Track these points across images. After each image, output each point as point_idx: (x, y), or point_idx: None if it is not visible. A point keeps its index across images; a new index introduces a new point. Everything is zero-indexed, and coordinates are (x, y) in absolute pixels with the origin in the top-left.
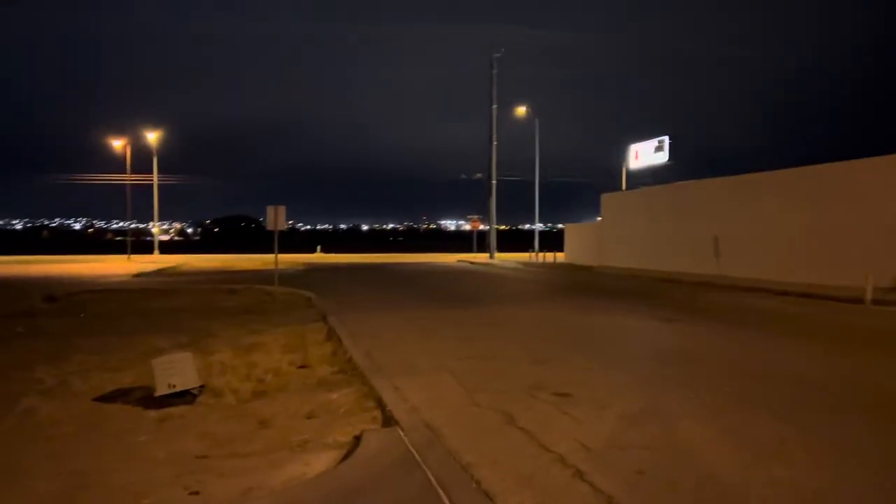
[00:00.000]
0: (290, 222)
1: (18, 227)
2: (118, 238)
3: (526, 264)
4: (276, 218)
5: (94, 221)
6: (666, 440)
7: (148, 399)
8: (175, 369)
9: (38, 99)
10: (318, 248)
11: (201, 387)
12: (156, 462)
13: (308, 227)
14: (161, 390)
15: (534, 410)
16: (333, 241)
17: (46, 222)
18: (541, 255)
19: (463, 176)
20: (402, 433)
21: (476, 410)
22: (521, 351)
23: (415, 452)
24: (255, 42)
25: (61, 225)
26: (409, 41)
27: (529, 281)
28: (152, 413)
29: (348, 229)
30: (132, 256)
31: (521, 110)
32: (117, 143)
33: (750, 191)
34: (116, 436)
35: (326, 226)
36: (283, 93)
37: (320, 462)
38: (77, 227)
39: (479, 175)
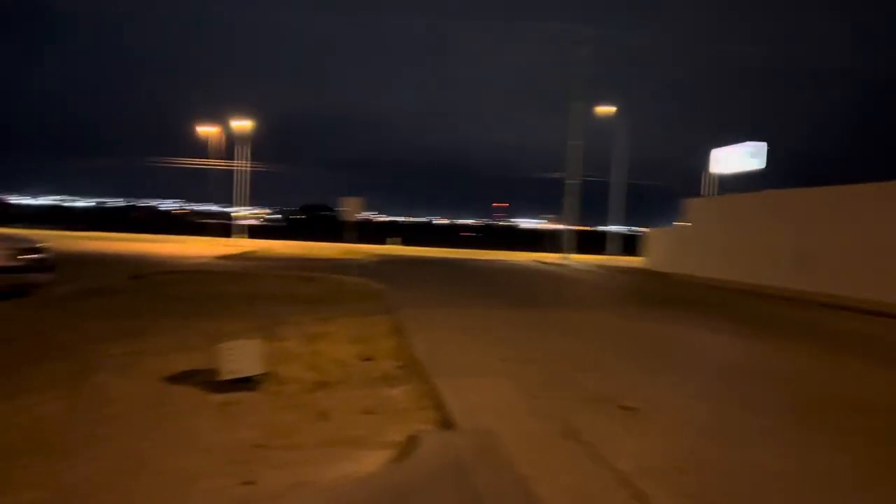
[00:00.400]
0: (370, 213)
1: (114, 205)
2: (205, 221)
3: (601, 267)
4: (353, 209)
5: (185, 203)
6: (737, 467)
7: (212, 383)
8: (241, 354)
9: (136, 84)
10: (395, 239)
11: (265, 374)
12: (212, 448)
13: (386, 218)
14: (225, 375)
15: (597, 423)
16: (410, 234)
17: (140, 202)
18: (617, 258)
19: (541, 174)
20: (458, 437)
21: (538, 419)
22: (590, 358)
23: (469, 459)
24: (344, 33)
25: (154, 205)
26: (495, 35)
27: (604, 285)
28: (215, 397)
29: (425, 223)
30: (217, 239)
31: (603, 109)
32: (210, 130)
33: (848, 203)
34: (178, 418)
35: (404, 218)
36: (368, 84)
37: (373, 460)
38: (168, 208)
39: (557, 174)
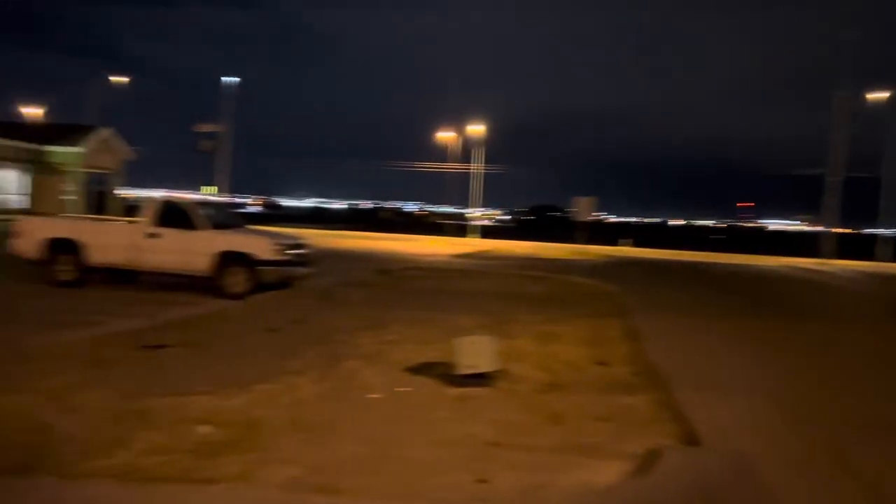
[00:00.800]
0: (601, 214)
1: (364, 206)
2: (442, 221)
3: (869, 275)
4: (584, 209)
5: (425, 205)
6: None
7: (449, 376)
8: (476, 350)
9: (387, 95)
10: (627, 241)
11: (499, 371)
12: (449, 441)
13: (618, 218)
14: (461, 370)
15: (873, 454)
16: (643, 235)
17: (386, 204)
18: (889, 265)
19: (795, 171)
20: (706, 455)
21: (799, 444)
22: (861, 381)
23: (720, 482)
24: (581, 32)
25: (398, 207)
26: (736, 24)
27: (875, 296)
28: (451, 391)
29: (659, 223)
30: (452, 238)
31: (875, 96)
32: (448, 135)
33: None
34: (417, 408)
35: (636, 219)
36: (605, 83)
37: (610, 471)
38: (410, 209)
39: (815, 170)
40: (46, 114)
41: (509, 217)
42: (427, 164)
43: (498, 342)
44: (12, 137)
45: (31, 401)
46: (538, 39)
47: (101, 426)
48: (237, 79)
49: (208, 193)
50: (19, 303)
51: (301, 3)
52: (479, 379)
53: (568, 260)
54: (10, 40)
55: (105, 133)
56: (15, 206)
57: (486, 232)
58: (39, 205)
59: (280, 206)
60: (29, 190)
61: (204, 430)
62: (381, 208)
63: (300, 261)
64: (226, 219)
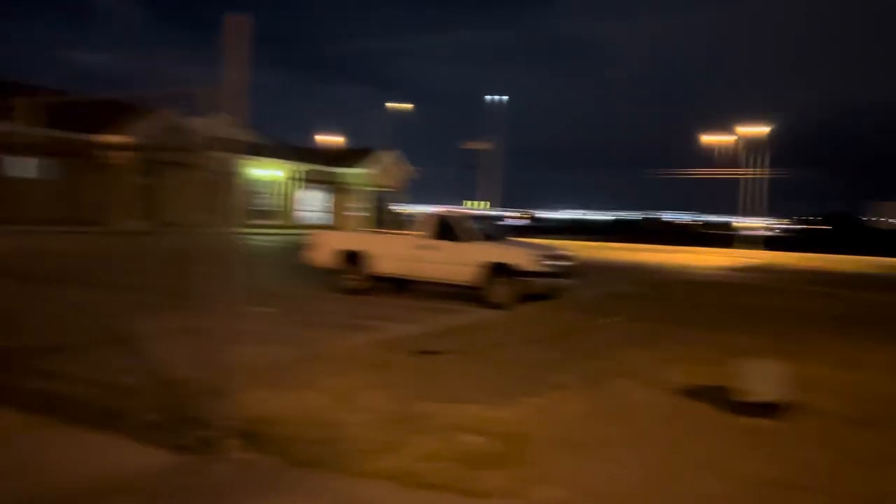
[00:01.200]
0: None
1: (629, 217)
2: (714, 231)
3: None
4: (892, 216)
5: (696, 215)
6: None
7: (730, 403)
8: (763, 376)
9: (650, 104)
10: None
11: (790, 401)
12: (737, 477)
13: None
14: (746, 397)
15: None
16: None
17: (653, 214)
18: None
19: None
20: None
21: None
22: None
23: None
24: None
25: (665, 217)
26: None
27: None
28: (734, 420)
29: None
30: (726, 250)
31: None
32: (721, 139)
33: None
34: (696, 436)
35: None
36: None
37: None
38: (679, 219)
39: None
40: (343, 140)
41: (796, 227)
42: (699, 170)
43: (788, 367)
44: (313, 162)
45: (320, 399)
46: (817, 33)
47: (379, 428)
48: (504, 97)
49: (480, 208)
50: (313, 308)
51: (556, 19)
52: (767, 409)
53: (869, 274)
54: (310, 75)
55: (390, 155)
56: (311, 221)
57: (768, 242)
58: (337, 221)
59: (539, 219)
60: (329, 207)
61: (473, 439)
62: (647, 219)
63: (564, 272)
64: (492, 231)
